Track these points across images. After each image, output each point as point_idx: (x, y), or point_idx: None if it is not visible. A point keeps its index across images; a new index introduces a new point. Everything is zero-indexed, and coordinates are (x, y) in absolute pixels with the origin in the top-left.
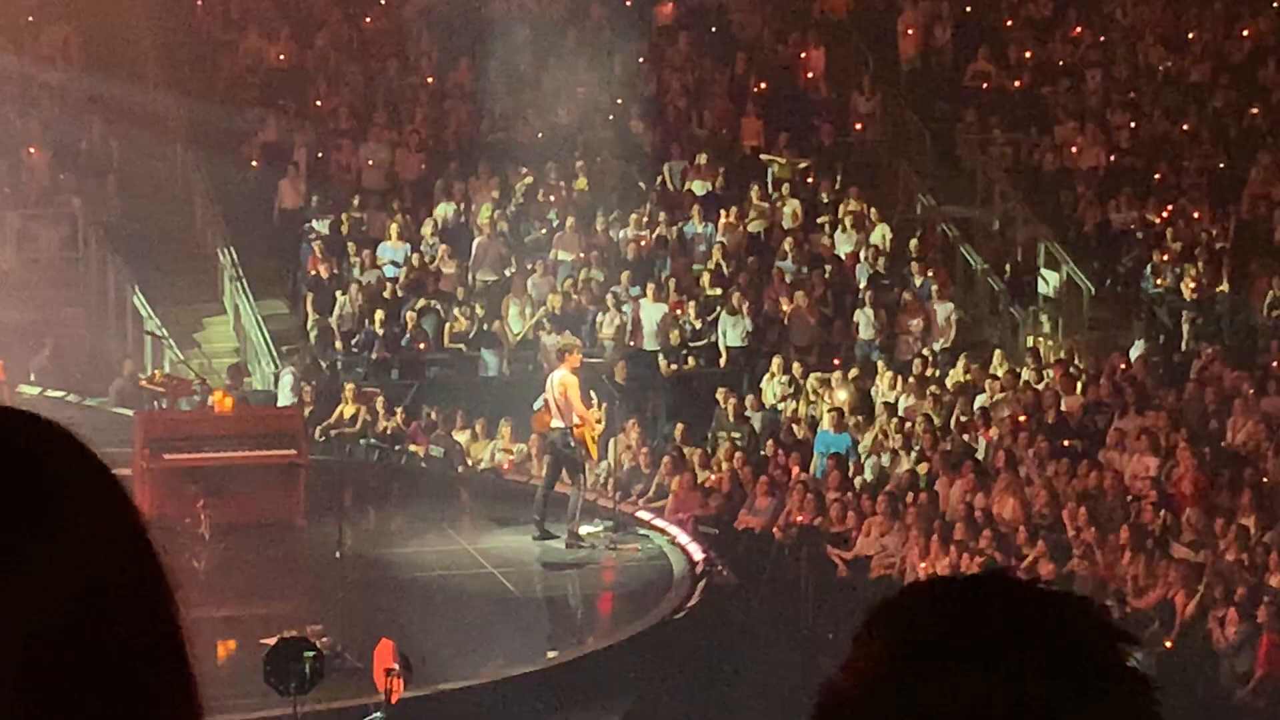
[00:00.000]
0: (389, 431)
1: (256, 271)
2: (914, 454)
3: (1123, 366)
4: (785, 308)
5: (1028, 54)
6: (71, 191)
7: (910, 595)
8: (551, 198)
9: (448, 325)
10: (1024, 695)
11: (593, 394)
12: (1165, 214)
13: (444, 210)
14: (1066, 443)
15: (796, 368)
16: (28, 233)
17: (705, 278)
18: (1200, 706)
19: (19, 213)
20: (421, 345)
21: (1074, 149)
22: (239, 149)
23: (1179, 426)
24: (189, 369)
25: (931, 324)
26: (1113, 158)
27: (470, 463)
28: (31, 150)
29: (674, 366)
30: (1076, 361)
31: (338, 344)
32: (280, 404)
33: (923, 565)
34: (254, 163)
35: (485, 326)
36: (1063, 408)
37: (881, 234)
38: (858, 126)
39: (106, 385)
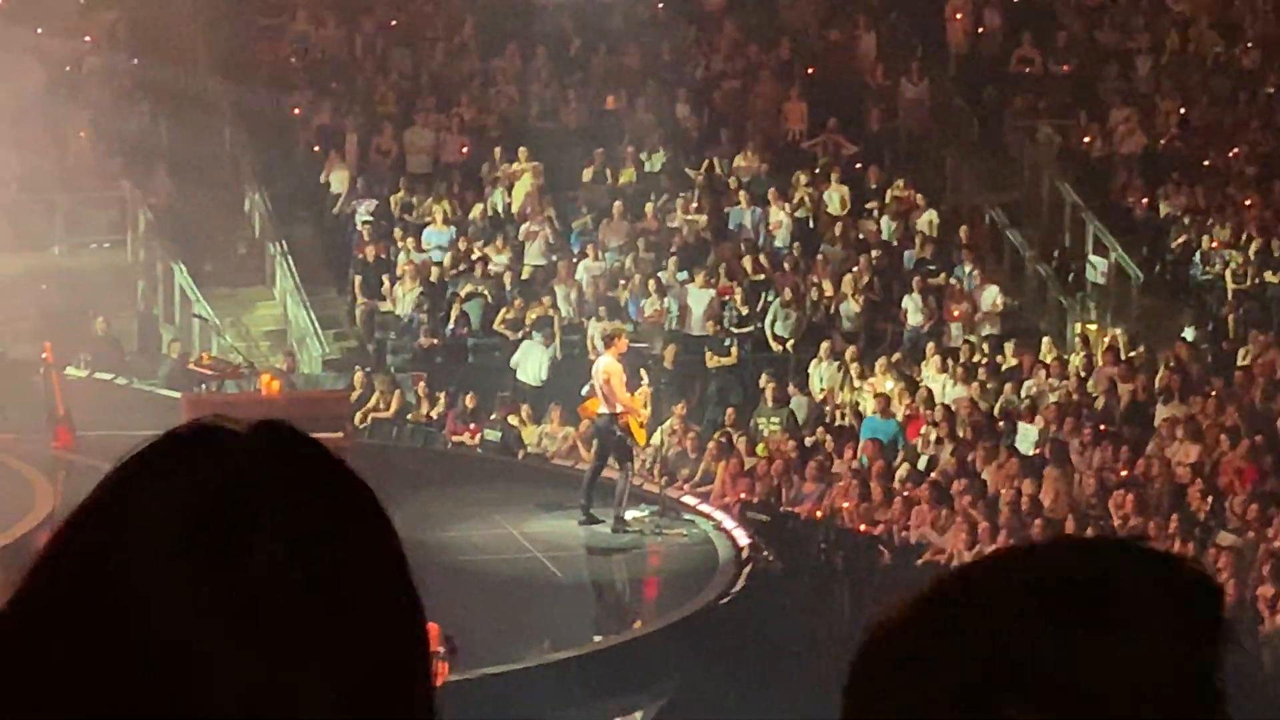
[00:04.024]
0: (434, 416)
1: (304, 255)
2: (961, 441)
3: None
4: (831, 294)
5: (1073, 39)
6: (120, 175)
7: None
8: (599, 183)
9: (501, 311)
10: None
11: (643, 376)
12: (1213, 200)
13: (496, 197)
14: (1112, 429)
15: (850, 352)
16: (76, 216)
17: (751, 263)
18: (1250, 692)
19: (68, 196)
20: (465, 331)
21: (1122, 135)
22: (287, 133)
23: (1225, 414)
24: (237, 352)
25: (979, 310)
26: (1161, 143)
27: (527, 449)
28: (80, 134)
29: (719, 353)
30: (1125, 349)
31: (384, 328)
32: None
33: (972, 553)
34: (314, 147)
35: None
36: (1111, 395)
37: (929, 220)
38: (901, 114)
39: (154, 368)
